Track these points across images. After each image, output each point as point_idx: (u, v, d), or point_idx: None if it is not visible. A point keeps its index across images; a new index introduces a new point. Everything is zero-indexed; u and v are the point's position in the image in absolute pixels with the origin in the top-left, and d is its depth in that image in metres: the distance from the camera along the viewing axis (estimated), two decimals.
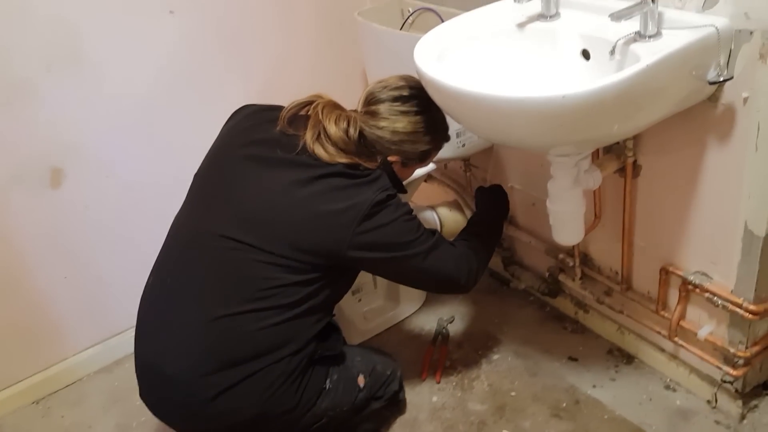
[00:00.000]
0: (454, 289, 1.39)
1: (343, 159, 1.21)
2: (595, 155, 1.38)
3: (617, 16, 1.04)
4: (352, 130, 1.23)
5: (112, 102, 1.63)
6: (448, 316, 1.85)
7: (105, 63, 1.59)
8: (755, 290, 1.24)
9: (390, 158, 1.28)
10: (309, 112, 1.26)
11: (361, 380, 1.35)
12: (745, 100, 1.09)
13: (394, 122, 1.25)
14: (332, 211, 1.17)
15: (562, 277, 1.71)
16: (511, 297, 1.89)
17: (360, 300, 1.84)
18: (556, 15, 1.27)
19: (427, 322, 1.86)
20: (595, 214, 1.50)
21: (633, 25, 1.09)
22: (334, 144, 1.21)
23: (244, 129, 1.30)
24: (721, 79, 1.06)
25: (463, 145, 1.68)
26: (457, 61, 1.25)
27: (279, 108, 1.29)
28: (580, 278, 1.64)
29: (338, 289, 1.29)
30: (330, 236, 1.17)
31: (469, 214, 1.94)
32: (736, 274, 1.26)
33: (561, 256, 1.66)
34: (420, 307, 1.91)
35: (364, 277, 1.81)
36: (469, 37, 1.29)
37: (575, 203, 1.30)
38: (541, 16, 1.27)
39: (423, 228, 1.26)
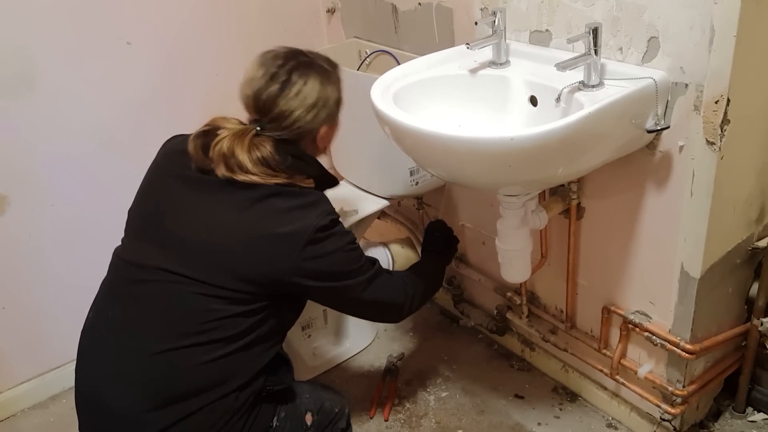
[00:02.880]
0: (390, 318, 1.38)
1: (275, 180, 1.16)
2: (542, 197, 1.42)
3: (562, 66, 1.10)
4: (270, 151, 1.15)
5: (63, 131, 1.61)
6: (398, 353, 1.85)
7: (59, 91, 1.57)
8: (691, 330, 1.29)
9: (319, 133, 1.22)
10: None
11: (308, 418, 1.32)
12: (681, 148, 1.16)
13: (300, 106, 1.17)
14: (275, 234, 1.13)
15: (509, 315, 1.74)
16: (461, 334, 1.91)
17: (309, 336, 1.82)
18: (506, 63, 1.33)
19: (377, 358, 1.86)
20: (542, 254, 1.55)
21: (577, 75, 1.15)
22: (261, 172, 1.15)
23: (174, 160, 1.23)
24: (659, 128, 1.12)
25: (417, 183, 1.72)
26: (413, 101, 1.29)
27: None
28: (527, 316, 1.68)
29: (283, 318, 1.26)
30: (274, 262, 1.14)
31: (420, 251, 1.97)
32: (673, 314, 1.31)
33: (509, 294, 1.70)
34: (370, 344, 1.91)
35: (313, 313, 1.81)
36: (424, 79, 1.33)
37: (522, 242, 1.34)
38: (492, 63, 1.33)
39: (364, 257, 1.26)
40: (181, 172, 1.19)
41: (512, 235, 1.33)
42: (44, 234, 1.66)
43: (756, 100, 1.13)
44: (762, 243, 1.32)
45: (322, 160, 1.30)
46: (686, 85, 1.10)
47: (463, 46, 1.34)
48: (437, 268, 1.53)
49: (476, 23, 1.35)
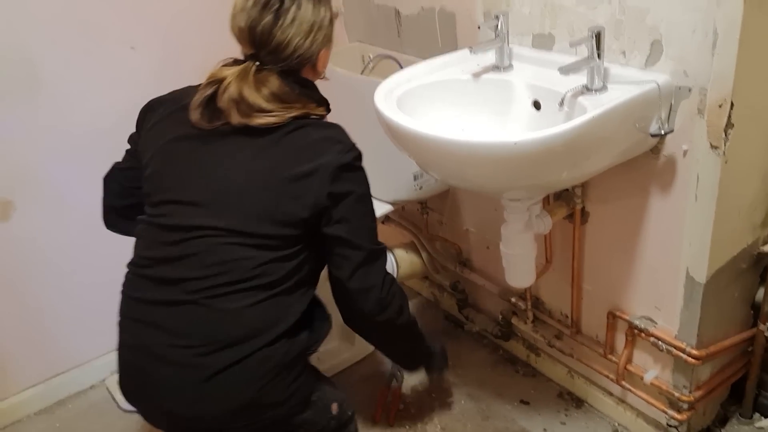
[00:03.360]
0: (364, 305, 1.22)
1: (291, 113, 1.12)
2: (546, 201, 1.42)
3: (566, 71, 1.10)
4: (278, 84, 1.12)
5: (68, 134, 1.62)
6: None
7: (62, 95, 1.58)
8: (698, 335, 1.29)
9: (320, 59, 1.18)
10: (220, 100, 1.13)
11: (334, 407, 1.31)
12: (685, 152, 1.15)
13: (297, 34, 1.11)
14: (303, 172, 1.10)
15: (514, 320, 1.74)
16: (466, 339, 1.91)
17: None
18: (510, 67, 1.32)
19: (381, 363, 1.85)
20: (546, 259, 1.54)
21: (580, 78, 1.15)
22: (275, 108, 1.12)
23: (177, 121, 1.19)
24: (662, 132, 1.12)
25: (421, 188, 1.72)
26: (416, 105, 1.28)
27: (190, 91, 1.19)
28: (532, 321, 1.67)
29: (319, 261, 1.22)
30: (304, 198, 1.11)
31: (425, 256, 1.96)
32: (679, 320, 1.30)
33: (513, 299, 1.69)
34: (374, 350, 1.91)
35: None
36: (427, 83, 1.33)
37: (527, 247, 1.34)
38: (495, 68, 1.33)
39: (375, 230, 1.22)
40: (189, 131, 1.16)
41: (517, 239, 1.33)
42: (50, 239, 1.66)
43: (760, 104, 1.12)
44: (767, 248, 1.31)
45: None
46: (690, 89, 1.10)
47: (466, 50, 1.35)
48: (419, 343, 1.45)
49: (479, 27, 1.36)
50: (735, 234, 1.25)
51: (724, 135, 1.08)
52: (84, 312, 1.48)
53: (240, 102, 1.10)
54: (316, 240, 1.17)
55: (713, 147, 1.10)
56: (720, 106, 1.06)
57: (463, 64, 1.37)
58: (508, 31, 1.30)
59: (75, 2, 1.54)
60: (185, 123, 1.16)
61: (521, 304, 1.67)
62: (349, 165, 1.13)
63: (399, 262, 1.94)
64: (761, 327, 1.37)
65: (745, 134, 1.11)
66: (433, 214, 1.92)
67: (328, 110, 1.22)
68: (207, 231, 1.12)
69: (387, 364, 1.83)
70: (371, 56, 1.82)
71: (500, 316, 1.78)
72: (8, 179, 1.57)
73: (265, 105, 1.10)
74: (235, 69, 1.12)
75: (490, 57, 1.34)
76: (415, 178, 1.70)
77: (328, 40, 1.18)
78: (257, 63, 1.12)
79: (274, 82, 1.11)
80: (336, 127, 1.17)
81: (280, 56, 1.12)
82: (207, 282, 1.12)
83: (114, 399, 1.78)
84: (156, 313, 1.15)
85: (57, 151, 1.61)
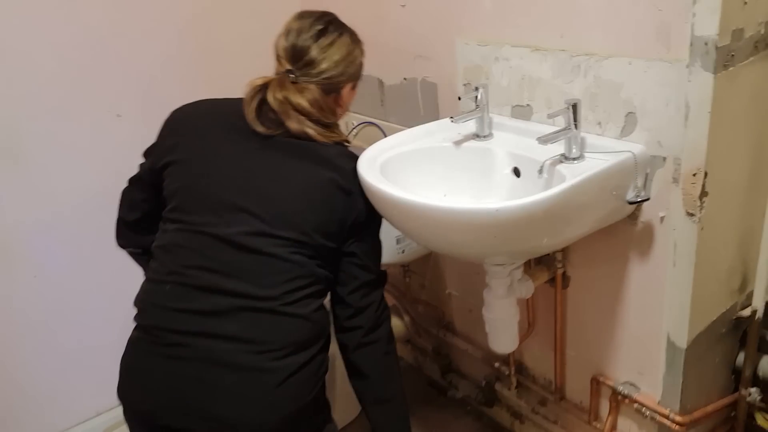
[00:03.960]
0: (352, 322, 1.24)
1: (333, 137, 1.21)
2: (528, 266, 1.43)
3: (544, 140, 1.13)
4: (316, 92, 1.20)
5: (47, 202, 1.61)
6: None
7: (46, 164, 1.59)
8: (681, 401, 1.28)
9: (345, 90, 1.26)
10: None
11: None
12: (662, 219, 1.18)
13: (331, 57, 1.21)
14: (349, 190, 1.18)
15: (498, 386, 1.72)
16: (449, 406, 1.88)
17: None
18: (490, 135, 1.36)
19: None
20: (529, 323, 1.54)
21: (558, 147, 1.18)
22: (315, 113, 1.19)
23: (214, 124, 1.22)
24: (639, 199, 1.15)
25: (403, 252, 1.73)
26: (399, 172, 1.30)
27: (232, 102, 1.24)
28: (516, 387, 1.66)
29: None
30: (335, 204, 1.17)
31: (407, 319, 1.96)
32: (662, 385, 1.30)
33: (497, 364, 1.68)
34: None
35: None
36: (409, 151, 1.36)
37: (509, 311, 1.34)
38: (476, 136, 1.37)
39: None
40: (239, 140, 1.19)
41: (499, 304, 1.33)
42: (27, 305, 1.63)
43: (733, 173, 1.16)
44: (745, 312, 1.33)
45: None
46: (664, 159, 1.14)
47: (448, 120, 1.38)
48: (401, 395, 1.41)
49: (459, 98, 1.40)
50: (714, 299, 1.26)
51: (699, 203, 1.11)
52: (61, 380, 1.44)
53: (286, 103, 1.17)
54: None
55: (689, 214, 1.13)
56: (694, 175, 1.10)
57: (444, 132, 1.40)
58: (487, 102, 1.34)
59: (61, 71, 1.56)
60: (234, 132, 1.19)
61: (505, 369, 1.66)
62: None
63: None
64: (743, 392, 1.37)
65: (720, 202, 1.14)
66: (416, 278, 1.92)
67: None
68: (265, 240, 1.13)
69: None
70: (355, 123, 1.86)
71: (484, 382, 1.76)
72: None
73: (308, 108, 1.18)
74: (273, 77, 1.21)
75: (470, 126, 1.38)
76: (398, 241, 1.71)
77: (356, 77, 1.28)
78: (291, 76, 1.20)
79: (313, 90, 1.20)
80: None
81: (311, 71, 1.20)
82: (265, 291, 1.12)
83: None
84: (217, 323, 1.11)
85: (35, 217, 1.60)
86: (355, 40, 1.27)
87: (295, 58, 1.20)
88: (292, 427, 1.14)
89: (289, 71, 1.20)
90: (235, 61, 1.85)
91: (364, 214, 1.20)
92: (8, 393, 1.67)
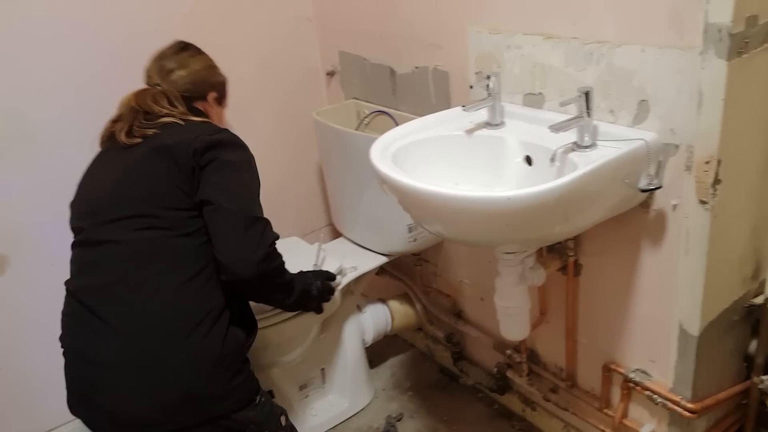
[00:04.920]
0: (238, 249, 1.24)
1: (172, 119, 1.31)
2: (539, 254, 1.44)
3: (556, 129, 1.13)
4: (168, 100, 1.34)
5: (64, 192, 1.62)
6: (397, 414, 1.83)
7: (61, 154, 1.60)
8: (692, 388, 1.29)
9: (209, 98, 1.42)
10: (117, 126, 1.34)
11: (283, 420, 1.36)
12: (675, 207, 1.18)
13: (191, 66, 1.39)
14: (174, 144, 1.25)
15: (509, 374, 1.73)
16: (460, 393, 1.89)
17: (307, 396, 1.80)
18: (502, 124, 1.36)
19: (375, 419, 1.83)
20: (541, 311, 1.55)
21: (571, 136, 1.18)
22: (165, 115, 1.31)
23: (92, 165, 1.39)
24: (651, 187, 1.15)
25: (415, 240, 1.74)
26: (411, 161, 1.31)
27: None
28: (527, 374, 1.67)
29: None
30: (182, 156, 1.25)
31: (419, 307, 1.97)
32: (674, 373, 1.30)
33: (509, 351, 1.69)
34: (368, 404, 1.89)
35: (311, 372, 1.79)
36: (421, 139, 1.36)
37: (521, 299, 1.35)
38: (488, 124, 1.37)
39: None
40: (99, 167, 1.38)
41: (510, 292, 1.34)
42: (44, 294, 1.65)
43: (746, 161, 1.16)
44: (758, 300, 1.33)
45: None
46: (677, 147, 1.13)
47: (459, 108, 1.39)
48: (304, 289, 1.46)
49: (471, 87, 1.40)
50: (726, 287, 1.26)
51: (712, 190, 1.11)
52: None
53: (137, 112, 1.33)
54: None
55: (702, 202, 1.13)
56: (707, 163, 1.10)
57: (456, 120, 1.41)
58: (499, 90, 1.34)
59: (70, 61, 1.58)
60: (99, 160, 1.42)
61: (516, 356, 1.67)
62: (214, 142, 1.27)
63: (393, 313, 1.95)
64: (755, 380, 1.37)
65: (732, 189, 1.14)
66: (428, 266, 1.93)
67: None
68: (119, 225, 1.26)
69: (381, 418, 1.82)
70: (366, 112, 1.86)
71: (495, 369, 1.77)
72: (5, 234, 1.58)
73: (156, 110, 1.32)
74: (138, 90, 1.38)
75: (482, 114, 1.38)
76: (410, 230, 1.72)
77: (217, 89, 1.46)
78: (156, 86, 1.36)
79: (168, 98, 1.35)
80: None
81: (169, 79, 1.38)
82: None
83: None
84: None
85: (53, 207, 1.62)
86: (213, 63, 1.45)
87: (159, 73, 1.38)
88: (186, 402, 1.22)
89: (155, 84, 1.36)
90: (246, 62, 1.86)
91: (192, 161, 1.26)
92: (19, 383, 1.70)
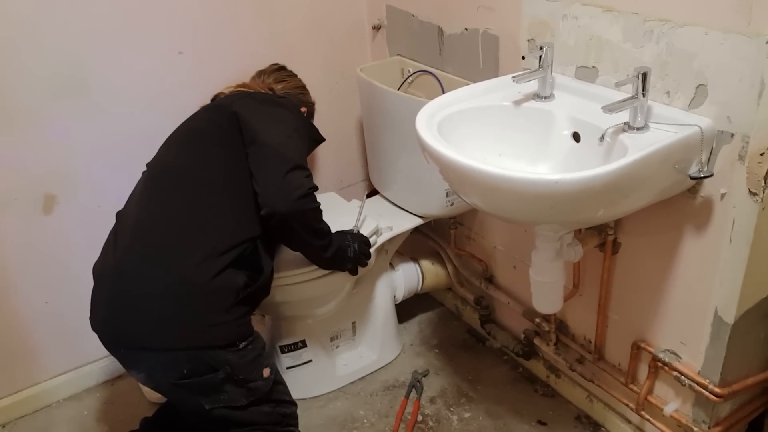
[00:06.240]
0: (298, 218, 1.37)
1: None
2: (578, 230, 1.43)
3: (609, 109, 1.11)
4: (267, 87, 1.64)
5: (113, 136, 1.66)
6: (423, 369, 1.88)
7: (111, 98, 1.63)
8: (721, 373, 1.30)
9: (302, 109, 1.63)
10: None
11: (266, 372, 1.39)
12: (723, 195, 1.16)
13: (287, 82, 1.67)
14: None
15: (537, 341, 1.76)
16: (486, 354, 1.93)
17: (337, 347, 1.86)
18: (551, 96, 1.34)
19: (402, 373, 1.88)
20: (574, 284, 1.56)
21: (623, 115, 1.16)
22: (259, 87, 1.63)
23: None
24: (702, 175, 1.13)
25: (452, 205, 1.74)
26: (456, 129, 1.30)
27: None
28: (555, 344, 1.69)
29: None
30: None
31: (450, 269, 1.99)
32: (704, 357, 1.31)
33: (537, 320, 1.71)
34: (396, 358, 1.94)
35: (342, 324, 1.84)
36: (468, 108, 1.34)
37: (557, 275, 1.35)
38: (537, 96, 1.34)
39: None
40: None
41: (547, 267, 1.34)
42: (90, 233, 1.70)
43: None
44: None
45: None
46: (732, 135, 1.11)
47: (509, 78, 1.36)
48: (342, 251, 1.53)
49: (523, 58, 1.37)
50: (765, 277, 1.25)
51: (763, 182, 1.09)
52: None
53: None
54: None
55: (752, 193, 1.11)
56: (762, 155, 1.07)
57: (504, 90, 1.38)
58: (551, 62, 1.31)
59: (126, 9, 1.58)
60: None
61: (545, 325, 1.69)
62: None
63: (425, 272, 1.97)
64: None
65: None
66: (462, 229, 1.94)
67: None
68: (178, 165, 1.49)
69: (408, 373, 1.87)
70: (411, 70, 1.84)
71: (523, 335, 1.80)
72: (54, 175, 1.63)
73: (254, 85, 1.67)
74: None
75: (532, 85, 1.35)
76: (447, 194, 1.72)
77: (308, 105, 1.74)
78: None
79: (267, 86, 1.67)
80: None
81: (274, 84, 1.67)
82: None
83: (141, 390, 1.83)
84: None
85: (101, 149, 1.66)
86: (304, 85, 1.74)
87: (260, 85, 1.66)
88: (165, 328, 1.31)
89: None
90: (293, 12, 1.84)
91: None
92: (63, 317, 1.78)
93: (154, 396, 1.78)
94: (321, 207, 1.42)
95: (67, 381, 1.84)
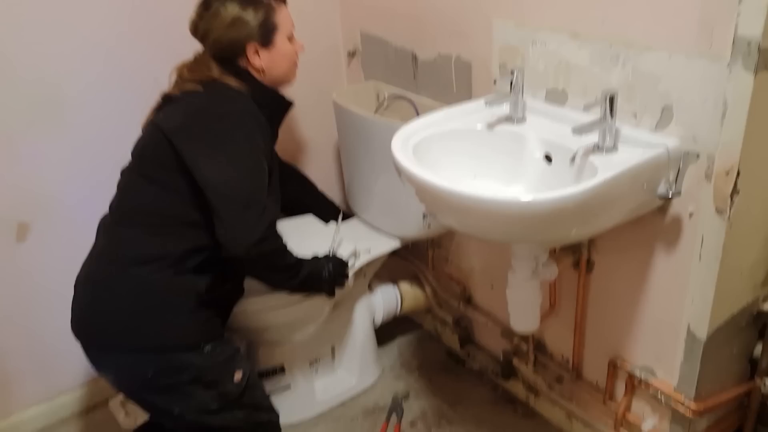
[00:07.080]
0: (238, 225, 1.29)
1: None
2: (553, 249, 1.45)
3: (578, 131, 1.14)
4: (205, 63, 1.41)
5: (88, 163, 1.65)
6: (403, 393, 1.87)
7: (86, 125, 1.62)
8: (696, 389, 1.31)
9: (249, 51, 1.40)
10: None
11: (237, 376, 1.37)
12: (691, 214, 1.19)
13: (220, 23, 1.38)
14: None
15: (515, 361, 1.76)
16: (466, 376, 1.93)
17: (317, 371, 1.85)
18: (523, 119, 1.37)
19: (382, 397, 1.87)
20: (551, 303, 1.57)
21: (592, 136, 1.19)
22: (197, 77, 1.40)
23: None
24: (670, 194, 1.16)
25: (429, 226, 1.75)
26: (431, 152, 1.32)
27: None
28: (533, 363, 1.70)
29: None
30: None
31: (429, 290, 2.00)
32: (678, 373, 1.33)
33: (516, 340, 1.72)
34: (375, 381, 1.93)
35: (322, 349, 1.83)
36: (443, 132, 1.37)
37: (533, 294, 1.37)
38: (509, 119, 1.37)
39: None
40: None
41: (523, 286, 1.36)
42: (63, 261, 1.68)
43: (764, 172, 1.16)
44: (767, 306, 1.35)
45: None
46: (698, 155, 1.14)
47: (482, 101, 1.39)
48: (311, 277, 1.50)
49: (495, 82, 1.39)
50: (736, 293, 1.28)
51: (729, 200, 1.12)
52: None
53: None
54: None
55: (719, 211, 1.14)
56: (727, 173, 1.10)
57: (478, 113, 1.41)
58: (523, 86, 1.34)
59: (102, 33, 1.59)
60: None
61: (523, 345, 1.70)
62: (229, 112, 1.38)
63: (404, 295, 1.98)
64: (758, 382, 1.40)
65: (750, 200, 1.14)
66: (440, 251, 1.95)
67: (263, 98, 1.44)
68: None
69: (388, 397, 1.86)
70: (386, 95, 1.86)
71: (502, 356, 1.80)
72: (27, 202, 1.61)
73: (187, 75, 1.42)
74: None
75: (504, 108, 1.38)
76: (425, 216, 1.73)
77: (253, 37, 1.40)
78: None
79: (204, 63, 1.42)
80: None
81: (206, 45, 1.42)
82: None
83: (117, 419, 1.80)
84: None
85: (75, 176, 1.65)
86: (244, 2, 1.39)
87: (194, 36, 1.42)
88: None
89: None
90: None
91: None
92: (38, 346, 1.75)
93: (129, 425, 1.75)
94: (285, 241, 1.38)
95: (41, 412, 1.80)
